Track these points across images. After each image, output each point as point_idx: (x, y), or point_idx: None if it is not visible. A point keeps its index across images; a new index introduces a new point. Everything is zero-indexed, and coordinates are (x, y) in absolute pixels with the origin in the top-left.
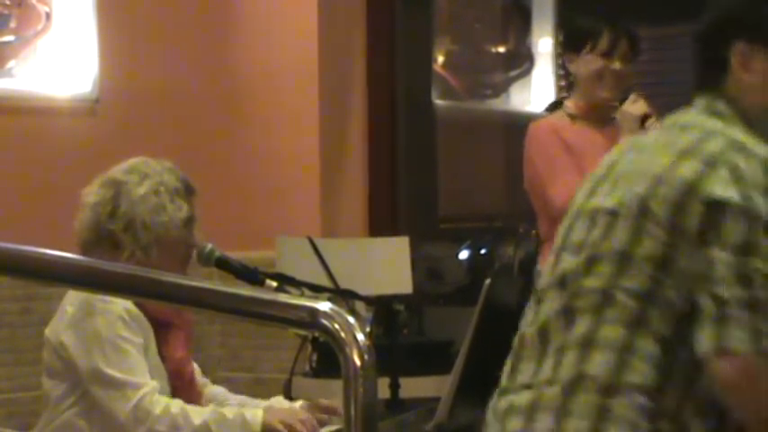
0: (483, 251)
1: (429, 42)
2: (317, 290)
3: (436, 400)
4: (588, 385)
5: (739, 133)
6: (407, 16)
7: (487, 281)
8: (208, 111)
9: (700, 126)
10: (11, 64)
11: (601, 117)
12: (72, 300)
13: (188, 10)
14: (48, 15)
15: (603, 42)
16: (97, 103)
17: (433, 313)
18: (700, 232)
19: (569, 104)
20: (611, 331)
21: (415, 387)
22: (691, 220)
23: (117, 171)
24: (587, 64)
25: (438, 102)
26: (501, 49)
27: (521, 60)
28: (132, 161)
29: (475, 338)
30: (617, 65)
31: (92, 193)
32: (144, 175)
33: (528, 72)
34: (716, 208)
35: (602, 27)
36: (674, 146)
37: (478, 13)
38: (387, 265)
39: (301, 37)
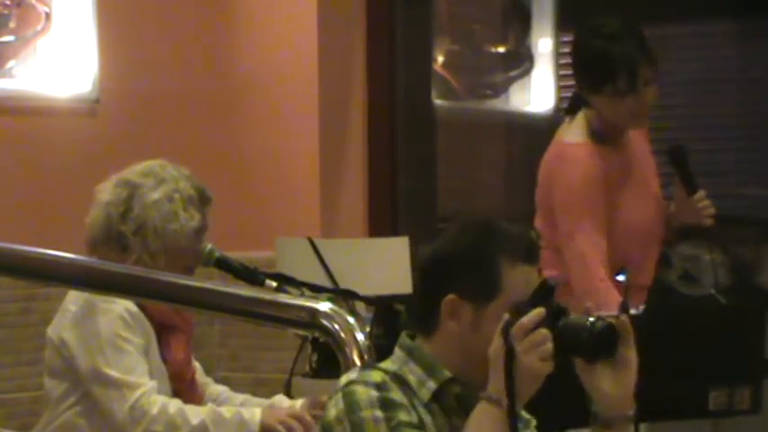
0: None
1: (429, 42)
2: (316, 290)
3: None
4: None
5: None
6: (407, 16)
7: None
8: (208, 111)
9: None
10: (10, 64)
11: (623, 141)
12: (74, 299)
13: (188, 10)
14: (47, 15)
15: (624, 83)
16: (97, 103)
17: None
18: None
19: (588, 116)
20: None
21: None
22: None
23: (133, 172)
24: (612, 105)
25: (438, 102)
26: (501, 50)
27: (521, 60)
28: (149, 163)
29: None
30: (642, 92)
31: (106, 191)
32: (160, 180)
33: (528, 72)
34: None
35: (617, 68)
36: None
37: (478, 14)
38: (387, 266)
39: (301, 37)
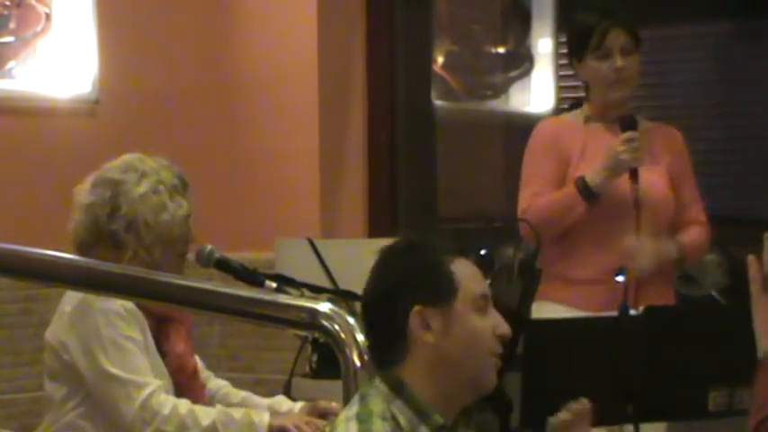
0: (483, 252)
1: (429, 43)
2: (316, 291)
3: None
4: None
5: (398, 416)
6: (407, 17)
7: (487, 281)
8: (208, 111)
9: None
10: (10, 65)
11: (611, 117)
12: (69, 300)
13: (188, 10)
14: (47, 16)
15: (597, 44)
16: (97, 103)
17: None
18: None
19: (585, 106)
20: None
21: None
22: None
23: (112, 170)
24: (590, 70)
25: (438, 102)
26: (501, 50)
27: (520, 61)
28: (126, 158)
29: None
30: (618, 62)
31: (86, 193)
32: (142, 174)
33: (528, 73)
34: None
35: (591, 29)
36: None
37: (478, 14)
38: None
39: (301, 37)
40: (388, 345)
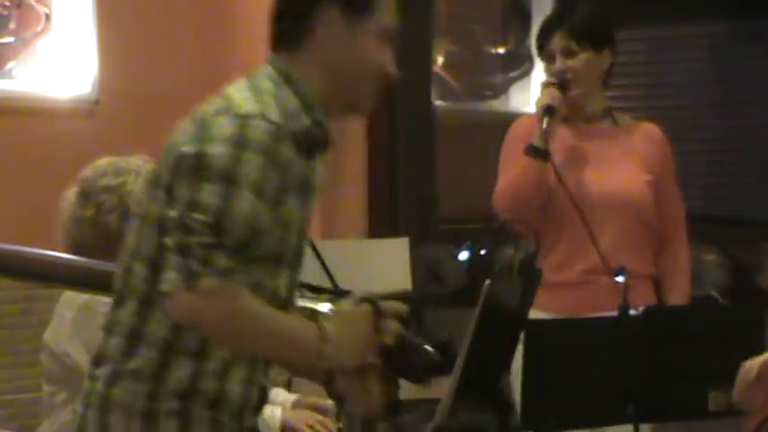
0: (483, 252)
1: (428, 43)
2: (316, 291)
3: (436, 401)
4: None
5: (285, 100)
6: (407, 16)
7: (487, 282)
8: None
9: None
10: (10, 65)
11: (585, 115)
12: (69, 305)
13: (188, 11)
14: (47, 16)
15: (542, 48)
16: (97, 104)
17: (433, 314)
18: (168, 186)
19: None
20: (123, 315)
21: (414, 388)
22: (167, 174)
23: (104, 177)
24: (545, 71)
25: (437, 103)
26: (500, 50)
27: (520, 61)
28: (109, 163)
29: (475, 339)
30: (558, 64)
31: (79, 205)
32: (135, 173)
33: (528, 73)
34: (182, 161)
35: (541, 34)
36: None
37: (478, 14)
38: (387, 266)
39: None
40: (290, 29)
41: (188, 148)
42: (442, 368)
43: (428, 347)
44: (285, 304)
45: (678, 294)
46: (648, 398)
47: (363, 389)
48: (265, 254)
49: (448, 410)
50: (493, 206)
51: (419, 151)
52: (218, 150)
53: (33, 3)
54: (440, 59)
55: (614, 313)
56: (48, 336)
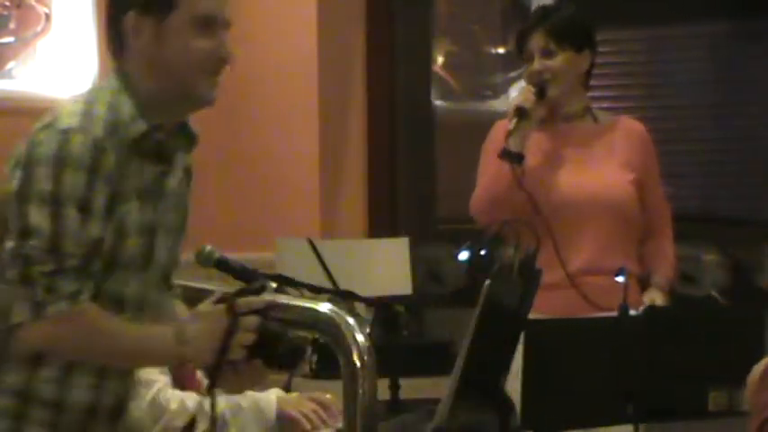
0: (482, 252)
1: (428, 43)
2: (316, 291)
3: (436, 400)
4: None
5: (117, 110)
6: (407, 17)
7: (487, 282)
8: (207, 111)
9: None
10: (10, 65)
11: (564, 115)
12: None
13: None
14: (47, 16)
15: (521, 49)
16: None
17: (433, 314)
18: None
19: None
20: None
21: (414, 388)
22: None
23: None
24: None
25: (437, 103)
26: (500, 50)
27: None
28: None
29: (475, 339)
30: (535, 65)
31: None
32: None
33: None
34: (11, 186)
35: (519, 35)
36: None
37: (478, 14)
38: (387, 266)
39: (301, 37)
40: (111, 38)
41: (15, 173)
42: (306, 351)
43: (291, 335)
44: (142, 309)
45: (661, 276)
46: (648, 398)
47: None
48: (110, 263)
49: (448, 410)
50: (471, 212)
51: (419, 151)
52: (39, 172)
53: (33, 3)
54: (440, 59)
55: (605, 314)
56: None
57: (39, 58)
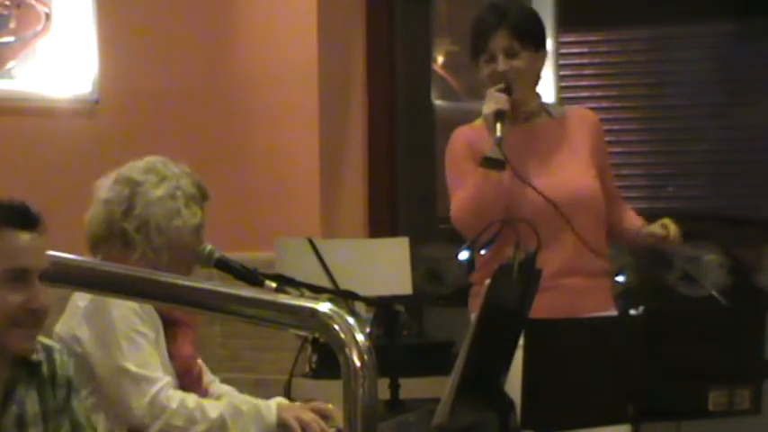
0: (482, 252)
1: (428, 43)
2: (316, 291)
3: (436, 400)
4: None
5: None
6: (407, 17)
7: (487, 282)
8: (207, 111)
9: None
10: (10, 65)
11: (524, 114)
12: (82, 295)
13: (188, 10)
14: (47, 16)
15: (483, 48)
16: (97, 104)
17: (433, 314)
18: None
19: None
20: None
21: (414, 388)
22: None
23: (134, 169)
24: (483, 73)
25: (437, 102)
26: None
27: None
28: (150, 160)
29: (475, 339)
30: (500, 65)
31: (106, 189)
32: (162, 177)
33: None
34: None
35: (479, 33)
36: None
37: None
38: (387, 266)
39: (301, 37)
40: None
41: None
42: None
43: None
44: None
45: (631, 216)
46: (648, 398)
47: None
48: None
49: (448, 410)
50: (452, 222)
51: (419, 151)
52: None
53: (33, 2)
54: (440, 59)
55: (597, 314)
56: (59, 327)
57: (39, 57)
